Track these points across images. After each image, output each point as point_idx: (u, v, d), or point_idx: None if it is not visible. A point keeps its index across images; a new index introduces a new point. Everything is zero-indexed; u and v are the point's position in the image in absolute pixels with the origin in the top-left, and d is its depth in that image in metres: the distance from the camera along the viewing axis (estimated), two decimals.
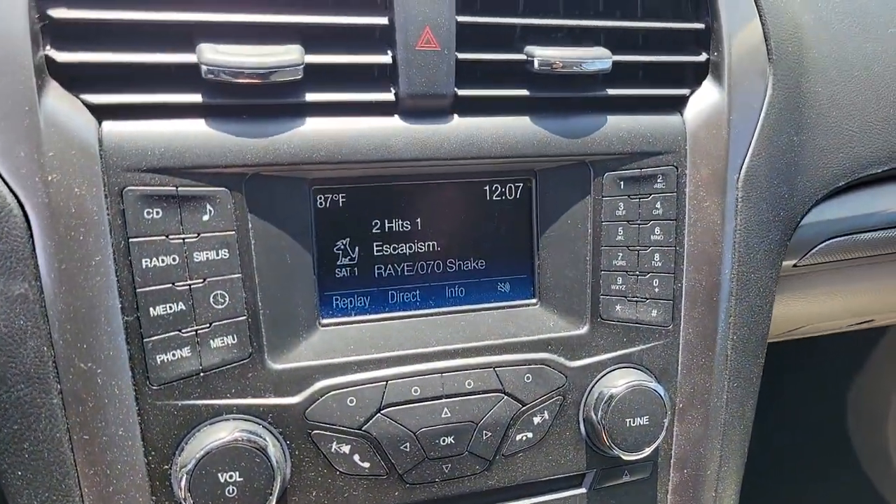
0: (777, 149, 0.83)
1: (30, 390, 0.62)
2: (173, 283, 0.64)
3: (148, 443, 0.65)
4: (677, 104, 0.80)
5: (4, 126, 0.59)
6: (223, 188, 0.65)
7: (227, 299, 0.66)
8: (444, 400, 0.72)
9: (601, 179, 0.77)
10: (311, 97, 0.67)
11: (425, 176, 0.73)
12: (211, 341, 0.66)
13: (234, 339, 0.67)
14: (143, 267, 0.63)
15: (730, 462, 0.85)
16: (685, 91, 0.80)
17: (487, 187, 0.76)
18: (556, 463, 0.78)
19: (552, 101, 0.75)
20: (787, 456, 1.73)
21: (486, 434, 0.74)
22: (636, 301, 0.79)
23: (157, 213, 0.63)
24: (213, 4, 0.65)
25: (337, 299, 0.73)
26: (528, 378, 0.75)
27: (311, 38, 0.68)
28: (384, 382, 0.70)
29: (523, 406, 0.75)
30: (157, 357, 0.65)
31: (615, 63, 0.74)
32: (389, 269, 0.74)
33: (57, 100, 0.61)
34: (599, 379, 0.78)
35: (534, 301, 0.78)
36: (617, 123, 0.76)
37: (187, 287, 0.65)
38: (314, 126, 0.67)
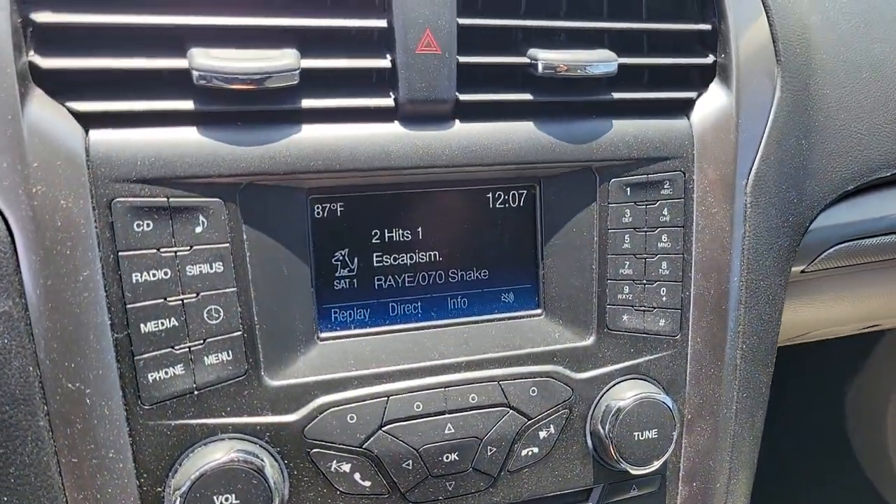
0: (786, 152, 0.81)
1: (15, 412, 0.60)
2: (165, 298, 0.62)
3: (140, 465, 0.63)
4: (684, 107, 0.78)
5: None
6: (216, 198, 0.63)
7: (221, 314, 0.64)
8: (447, 415, 0.70)
9: (607, 186, 0.75)
10: (307, 103, 0.65)
11: (426, 184, 0.71)
12: (205, 358, 0.64)
13: (229, 356, 0.64)
14: (134, 282, 0.61)
15: (739, 474, 0.83)
16: (692, 94, 0.78)
17: (490, 195, 0.74)
18: (563, 478, 0.76)
19: (556, 106, 0.73)
20: (788, 459, 1.72)
21: (490, 450, 0.72)
22: (643, 310, 0.77)
23: (148, 225, 0.61)
24: (205, 7, 0.63)
25: (336, 312, 0.70)
26: (533, 391, 0.73)
27: (308, 41, 0.66)
28: (385, 398, 0.68)
29: (529, 420, 0.73)
30: (149, 375, 0.62)
31: (620, 66, 0.72)
32: (390, 281, 0.72)
33: (41, 108, 0.59)
34: (606, 391, 0.76)
35: (538, 312, 0.76)
36: (623, 128, 0.74)
37: (180, 302, 0.63)
38: (311, 133, 0.65)
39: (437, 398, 0.70)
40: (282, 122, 0.64)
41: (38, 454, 0.61)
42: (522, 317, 0.75)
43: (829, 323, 1.05)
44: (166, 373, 0.63)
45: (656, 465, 0.76)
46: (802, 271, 0.91)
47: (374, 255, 0.71)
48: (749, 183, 0.79)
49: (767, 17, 0.81)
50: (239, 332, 0.65)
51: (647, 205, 0.76)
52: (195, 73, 0.60)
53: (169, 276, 0.62)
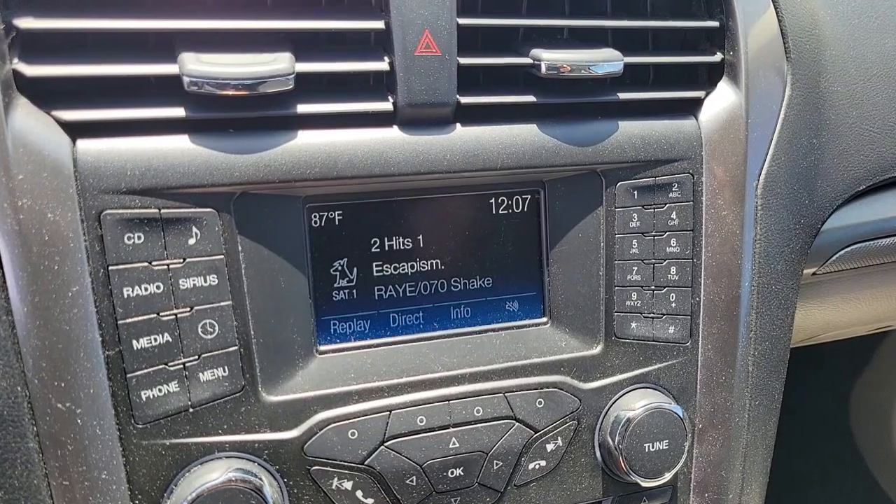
0: (797, 152, 0.79)
1: (3, 434, 0.58)
2: (158, 313, 0.60)
3: (134, 486, 0.61)
4: (692, 107, 0.76)
5: None
6: (210, 209, 0.61)
7: (216, 328, 0.62)
8: (451, 429, 0.68)
9: (613, 189, 0.73)
10: (302, 108, 0.63)
11: (427, 190, 0.69)
12: (200, 374, 0.62)
13: (225, 371, 0.63)
14: (125, 296, 0.59)
15: (752, 484, 0.81)
16: (700, 93, 0.76)
17: (493, 200, 0.72)
18: (571, 491, 0.74)
19: (560, 108, 0.71)
20: (794, 459, 1.70)
21: (497, 464, 0.70)
22: (652, 317, 0.75)
23: (139, 237, 0.59)
24: (195, 11, 0.61)
25: (335, 324, 0.68)
26: (540, 403, 0.71)
27: (302, 44, 0.64)
28: (387, 412, 0.67)
29: (536, 433, 0.71)
30: (142, 393, 0.60)
31: (625, 65, 0.70)
32: (390, 291, 0.70)
33: (26, 117, 0.57)
34: (615, 401, 0.74)
35: (544, 320, 0.74)
36: (629, 129, 0.72)
37: (173, 317, 0.61)
38: (307, 139, 0.63)
39: (441, 412, 0.68)
40: (276, 128, 0.62)
41: (28, 477, 0.59)
42: (527, 326, 0.74)
43: (840, 325, 1.03)
44: (160, 390, 0.61)
45: (667, 476, 0.74)
46: (814, 273, 0.88)
47: (374, 264, 0.69)
48: (760, 184, 0.76)
49: (776, 11, 0.78)
50: (235, 347, 0.63)
51: (654, 208, 0.74)
52: (186, 80, 0.58)
53: (161, 290, 0.60)
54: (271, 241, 0.64)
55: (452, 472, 0.69)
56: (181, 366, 0.61)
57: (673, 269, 0.75)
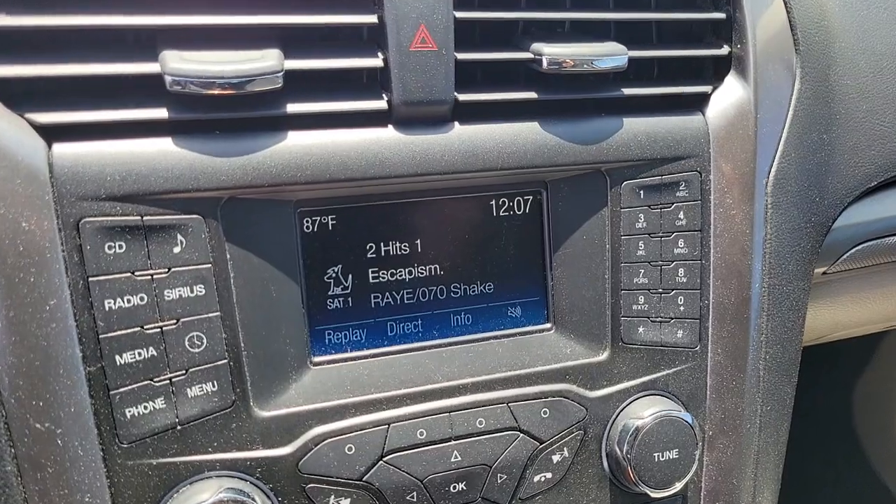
0: (807, 148, 0.76)
1: None
2: (142, 326, 0.57)
3: None
4: (698, 103, 0.74)
5: None
6: (195, 215, 0.58)
7: (204, 341, 0.59)
8: (453, 442, 0.66)
9: (619, 189, 0.70)
10: (292, 108, 0.60)
11: (424, 192, 0.67)
12: (188, 390, 0.59)
13: (214, 386, 0.60)
14: (107, 309, 0.56)
15: (764, 491, 0.79)
16: (706, 88, 0.73)
17: (494, 202, 0.69)
18: None
19: (562, 104, 0.69)
20: (803, 462, 1.68)
21: (500, 477, 0.68)
22: (660, 321, 0.72)
23: (121, 246, 0.56)
24: (178, 6, 0.58)
25: (329, 334, 0.66)
26: (545, 413, 0.68)
27: (291, 41, 0.61)
28: (386, 426, 0.64)
29: (541, 444, 0.69)
30: (127, 411, 0.58)
31: (629, 60, 0.67)
32: (387, 298, 0.67)
33: None
34: (623, 409, 0.72)
35: (548, 326, 0.72)
36: (634, 126, 0.70)
37: (158, 330, 0.58)
38: (297, 141, 0.60)
39: (442, 424, 0.65)
40: (265, 129, 0.60)
41: (7, 502, 0.56)
42: (531, 332, 0.71)
43: (850, 325, 1.01)
44: (145, 407, 0.58)
45: (678, 486, 0.72)
46: (824, 273, 0.86)
47: (370, 270, 0.66)
48: (770, 182, 0.74)
49: (784, 2, 0.76)
50: (224, 360, 0.60)
51: (661, 208, 0.71)
52: (168, 79, 0.55)
53: (145, 301, 0.57)
54: (261, 248, 0.61)
55: (454, 487, 0.66)
56: (167, 381, 0.58)
57: (681, 271, 0.72)
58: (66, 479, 0.56)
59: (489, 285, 0.70)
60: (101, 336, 0.56)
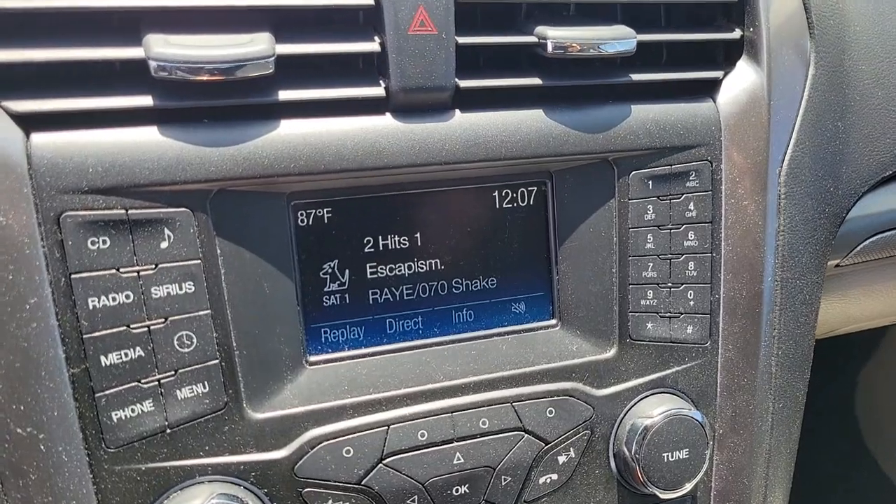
0: (821, 136, 0.74)
1: None
2: (128, 326, 0.55)
3: None
4: (709, 89, 0.71)
5: None
6: (183, 208, 0.55)
7: (194, 341, 0.56)
8: (455, 443, 0.64)
9: (626, 179, 0.67)
10: (285, 95, 0.57)
11: (424, 183, 0.64)
12: (177, 391, 0.57)
13: (205, 388, 0.57)
14: (90, 308, 0.54)
15: (775, 490, 0.77)
16: (718, 73, 0.71)
17: (496, 193, 0.66)
18: None
19: (568, 91, 0.66)
20: (813, 459, 1.66)
21: (505, 479, 0.65)
22: (669, 317, 0.70)
23: (104, 242, 0.54)
24: None
25: (326, 332, 0.63)
26: (550, 412, 0.66)
27: (283, 24, 0.58)
28: (385, 427, 0.62)
29: (546, 444, 0.66)
30: (113, 414, 0.55)
31: (637, 44, 0.64)
32: (386, 294, 0.64)
33: None
34: (631, 408, 0.70)
35: (553, 322, 0.69)
36: (642, 114, 0.67)
37: (145, 329, 0.55)
38: (290, 130, 0.58)
39: (444, 425, 0.63)
40: (256, 118, 0.57)
41: None
42: (536, 329, 0.69)
43: (861, 318, 0.98)
44: (133, 410, 0.56)
45: (688, 487, 0.70)
46: (837, 265, 0.83)
47: (368, 265, 0.64)
48: (783, 171, 0.71)
49: None
50: (215, 361, 0.58)
51: (670, 199, 0.69)
52: (153, 64, 0.52)
53: (131, 299, 0.55)
54: (253, 242, 0.59)
55: (457, 490, 0.64)
56: (156, 382, 0.56)
57: (691, 265, 0.70)
58: (49, 485, 0.54)
59: (492, 280, 0.67)
60: (85, 336, 0.54)
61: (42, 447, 0.53)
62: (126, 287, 0.54)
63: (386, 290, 0.64)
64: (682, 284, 0.70)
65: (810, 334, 0.76)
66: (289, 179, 0.58)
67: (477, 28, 0.63)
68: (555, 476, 0.67)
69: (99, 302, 0.54)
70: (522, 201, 0.67)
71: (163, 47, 0.52)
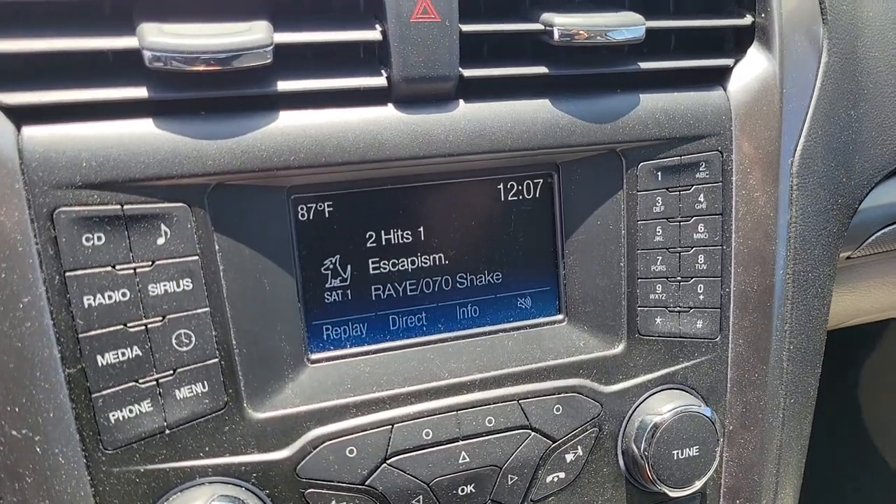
0: (834, 125, 0.72)
1: None
2: (125, 324, 0.53)
3: None
4: (719, 77, 0.69)
5: None
6: (180, 203, 0.54)
7: (192, 339, 0.55)
8: (460, 442, 0.62)
9: (635, 170, 0.66)
10: (283, 86, 0.56)
11: (427, 176, 0.62)
12: (176, 391, 0.55)
13: (204, 387, 0.56)
14: (86, 306, 0.52)
15: (786, 487, 0.76)
16: (728, 61, 0.69)
17: (502, 186, 0.65)
18: None
19: (574, 80, 0.64)
20: (825, 455, 1.65)
21: (511, 478, 0.64)
22: (679, 311, 0.69)
23: (99, 238, 0.52)
24: None
25: (327, 330, 0.62)
26: (557, 409, 0.64)
27: (281, 12, 0.56)
28: (389, 426, 0.61)
29: (554, 443, 0.65)
30: (111, 415, 0.54)
31: (647, 31, 0.63)
32: (389, 290, 0.63)
33: None
34: (640, 405, 0.69)
35: (560, 318, 0.68)
36: (650, 103, 0.65)
37: (143, 327, 0.54)
38: (290, 122, 0.56)
39: (449, 423, 0.62)
40: (254, 109, 0.55)
41: None
42: (542, 324, 0.68)
43: (871, 311, 0.97)
44: (131, 411, 0.54)
45: (697, 485, 0.69)
46: (848, 257, 0.82)
47: (370, 261, 0.62)
48: (795, 161, 0.69)
49: None
50: (215, 359, 0.56)
51: (680, 191, 0.67)
52: (147, 54, 0.51)
53: (128, 297, 0.53)
54: (252, 238, 0.57)
55: (463, 490, 0.63)
56: (154, 382, 0.54)
57: (701, 258, 0.68)
58: (46, 489, 0.53)
59: (497, 275, 0.66)
60: (80, 335, 0.52)
61: (38, 449, 0.52)
62: (122, 285, 0.53)
63: (389, 285, 0.63)
64: (692, 278, 0.68)
65: (822, 328, 0.75)
66: (289, 173, 0.56)
67: (481, 15, 0.61)
68: (562, 474, 0.66)
69: (94, 300, 0.52)
70: (528, 194, 0.65)
71: (157, 36, 0.51)
